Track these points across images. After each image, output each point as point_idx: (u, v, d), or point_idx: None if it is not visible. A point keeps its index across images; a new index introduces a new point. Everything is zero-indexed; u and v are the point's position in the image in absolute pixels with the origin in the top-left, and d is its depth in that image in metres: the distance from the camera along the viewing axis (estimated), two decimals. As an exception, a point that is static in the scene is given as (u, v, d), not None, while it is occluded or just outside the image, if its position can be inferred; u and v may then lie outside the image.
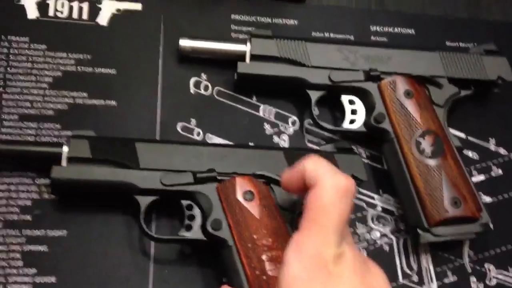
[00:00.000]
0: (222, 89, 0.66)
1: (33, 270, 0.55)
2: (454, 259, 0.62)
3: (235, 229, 0.53)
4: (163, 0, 0.69)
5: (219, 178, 0.56)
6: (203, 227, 0.55)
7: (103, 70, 0.65)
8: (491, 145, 0.68)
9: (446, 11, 0.76)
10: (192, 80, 0.66)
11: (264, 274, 0.51)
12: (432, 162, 0.60)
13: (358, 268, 0.42)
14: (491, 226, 0.59)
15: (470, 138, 0.68)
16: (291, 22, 0.71)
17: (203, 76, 0.66)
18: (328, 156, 0.58)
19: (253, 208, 0.54)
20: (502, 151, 0.68)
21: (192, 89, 0.66)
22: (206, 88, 0.66)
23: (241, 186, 0.55)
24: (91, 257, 0.56)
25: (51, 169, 0.54)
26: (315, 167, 0.45)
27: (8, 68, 0.62)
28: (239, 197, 0.54)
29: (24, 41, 0.64)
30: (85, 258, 0.56)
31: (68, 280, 0.55)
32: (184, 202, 0.56)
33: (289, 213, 0.55)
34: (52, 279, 0.55)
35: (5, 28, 0.64)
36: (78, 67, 0.64)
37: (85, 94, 0.63)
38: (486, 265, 0.62)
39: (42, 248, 0.56)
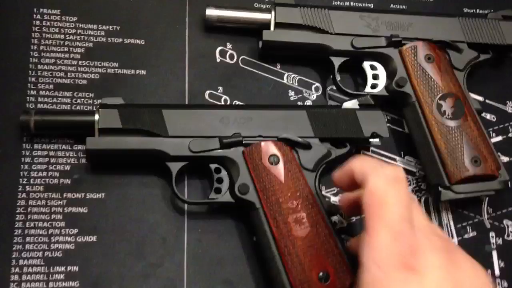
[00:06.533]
0: (247, 57, 0.69)
1: (74, 230, 0.58)
2: (473, 216, 0.65)
3: (262, 193, 0.56)
4: (188, -29, 0.71)
5: (244, 142, 0.58)
6: (231, 190, 0.58)
7: (132, 41, 0.67)
8: (509, 107, 0.71)
9: (464, -22, 0.77)
10: (218, 49, 0.68)
11: (290, 235, 0.54)
12: (452, 123, 0.62)
13: (443, 260, 0.40)
14: (510, 183, 0.62)
15: (488, 101, 0.70)
16: (312, -10, 0.73)
17: (228, 45, 0.69)
18: (349, 112, 0.61)
19: (278, 171, 0.56)
20: (519, 113, 0.71)
21: (218, 58, 0.68)
22: (231, 57, 0.68)
23: (267, 151, 0.57)
24: (129, 218, 0.59)
25: (85, 138, 0.57)
26: (361, 165, 0.45)
27: (42, 40, 0.65)
28: (265, 161, 0.57)
29: (56, 14, 0.66)
30: (123, 218, 0.59)
31: (108, 239, 0.58)
32: (212, 166, 0.59)
33: (313, 174, 0.58)
34: (93, 238, 0.58)
35: (37, 1, 0.66)
36: (108, 38, 0.66)
37: (115, 64, 0.66)
38: (505, 221, 0.65)
39: (83, 209, 0.59)
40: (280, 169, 0.57)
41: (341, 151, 0.60)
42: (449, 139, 0.61)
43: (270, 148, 0.58)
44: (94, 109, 0.61)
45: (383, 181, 0.42)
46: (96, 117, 0.58)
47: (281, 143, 0.58)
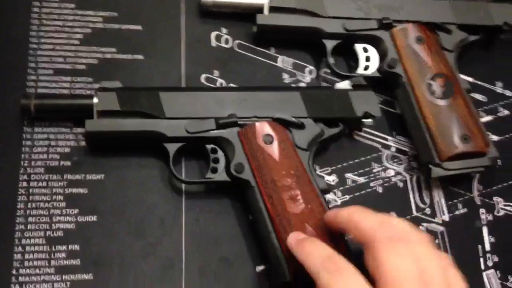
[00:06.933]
0: (242, 42, 0.70)
1: (75, 211, 0.60)
2: (464, 193, 0.67)
3: (257, 171, 0.57)
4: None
5: (240, 122, 0.59)
6: (227, 170, 0.59)
7: (129, 27, 0.68)
8: (498, 88, 0.72)
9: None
10: (213, 34, 0.70)
11: (285, 212, 0.56)
12: (442, 103, 0.63)
13: None
14: (499, 160, 0.64)
15: (478, 82, 0.72)
16: (305, -24, 0.74)
17: (223, 30, 0.70)
18: (342, 92, 0.62)
19: (272, 151, 0.58)
20: (508, 93, 0.72)
21: (214, 43, 0.69)
22: (226, 41, 0.70)
23: (261, 131, 0.59)
24: (128, 198, 0.61)
25: (84, 121, 0.58)
26: (365, 225, 0.47)
27: (41, 27, 0.66)
28: (260, 141, 0.58)
29: (54, 1, 0.68)
30: (122, 199, 0.61)
31: (108, 219, 0.60)
32: (209, 146, 0.60)
33: (306, 153, 0.59)
34: (93, 218, 0.60)
35: (35, -12, 0.67)
36: (106, 24, 0.68)
37: (113, 49, 0.67)
38: (495, 198, 0.67)
39: (83, 190, 0.60)
40: (274, 148, 0.58)
41: (333, 130, 0.61)
42: (439, 118, 0.63)
43: (264, 128, 0.59)
44: (93, 92, 0.62)
45: (392, 253, 0.44)
46: (95, 100, 0.59)
47: (276, 123, 0.59)
